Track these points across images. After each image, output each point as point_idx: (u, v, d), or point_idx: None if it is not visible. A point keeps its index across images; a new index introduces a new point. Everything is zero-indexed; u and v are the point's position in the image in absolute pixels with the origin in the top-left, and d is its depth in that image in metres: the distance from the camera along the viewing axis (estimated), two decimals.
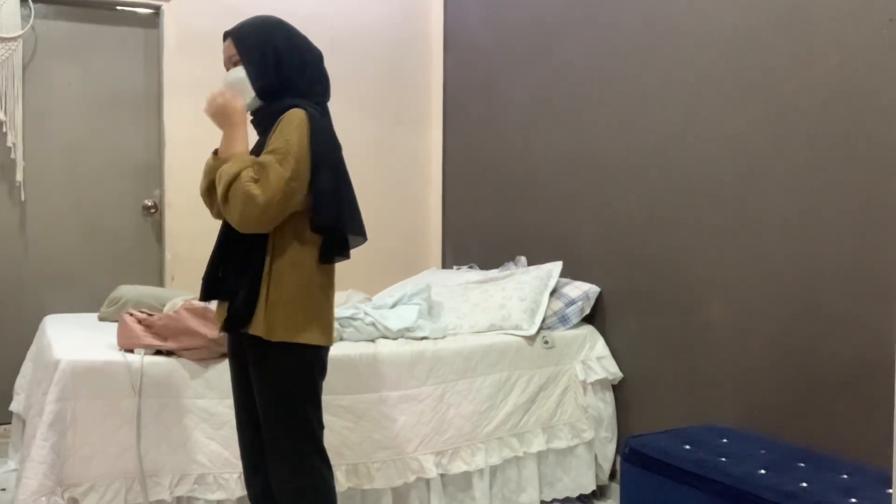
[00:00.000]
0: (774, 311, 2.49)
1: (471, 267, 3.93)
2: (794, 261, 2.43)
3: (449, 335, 2.99)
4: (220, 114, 2.00)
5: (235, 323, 1.96)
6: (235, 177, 1.86)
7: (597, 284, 3.23)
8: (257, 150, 2.01)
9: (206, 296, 2.04)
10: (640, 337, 3.06)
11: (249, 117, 2.06)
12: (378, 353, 2.70)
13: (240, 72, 2.00)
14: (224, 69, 2.06)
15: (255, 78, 2.00)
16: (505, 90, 3.90)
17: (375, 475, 2.61)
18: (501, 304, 3.16)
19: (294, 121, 1.91)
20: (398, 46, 4.41)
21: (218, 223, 2.08)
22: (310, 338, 1.95)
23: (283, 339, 1.93)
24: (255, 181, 1.85)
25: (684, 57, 2.83)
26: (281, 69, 2.00)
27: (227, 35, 2.07)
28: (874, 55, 2.20)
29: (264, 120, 2.03)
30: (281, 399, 1.98)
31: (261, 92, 2.01)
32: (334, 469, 2.49)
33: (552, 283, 3.20)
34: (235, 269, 1.98)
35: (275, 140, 1.91)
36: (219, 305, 2.08)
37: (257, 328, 1.92)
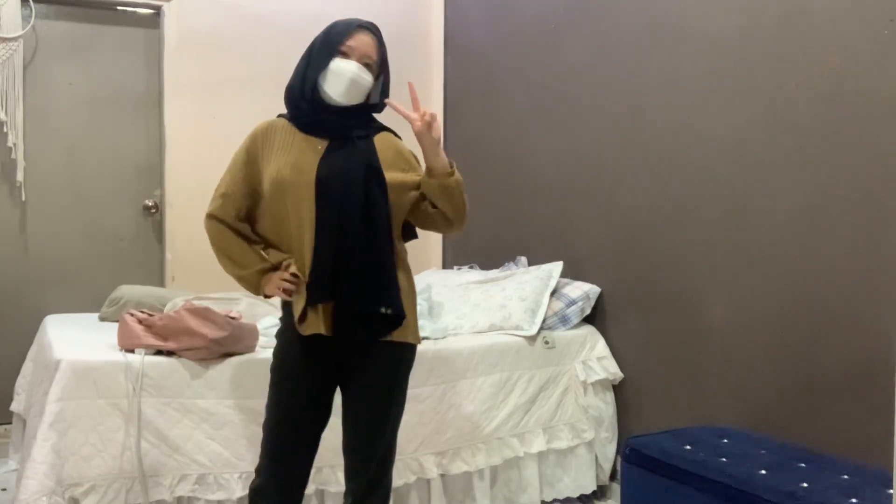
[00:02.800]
0: (775, 311, 2.49)
1: (471, 267, 3.93)
2: (794, 261, 2.43)
3: (449, 335, 2.99)
4: (438, 135, 2.06)
5: (388, 329, 1.99)
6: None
7: (597, 285, 3.23)
8: (366, 153, 2.02)
9: (319, 297, 1.97)
10: (640, 337, 3.06)
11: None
12: None
13: (369, 80, 2.03)
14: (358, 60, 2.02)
15: (380, 94, 2.09)
16: (505, 90, 3.90)
17: None
18: (502, 304, 3.16)
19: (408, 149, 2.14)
20: (399, 46, 4.38)
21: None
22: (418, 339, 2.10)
23: (416, 343, 2.07)
24: None
25: (685, 57, 2.83)
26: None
27: (370, 30, 2.06)
28: (874, 55, 2.20)
29: (348, 124, 2.04)
30: (402, 400, 2.08)
31: (371, 107, 2.08)
32: (334, 469, 2.50)
33: (553, 284, 3.20)
34: (377, 277, 1.98)
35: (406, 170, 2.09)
36: (319, 310, 1.97)
37: (407, 334, 2.02)
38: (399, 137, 2.15)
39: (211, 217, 2.06)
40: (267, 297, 2.08)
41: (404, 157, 2.11)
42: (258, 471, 2.04)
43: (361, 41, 2.01)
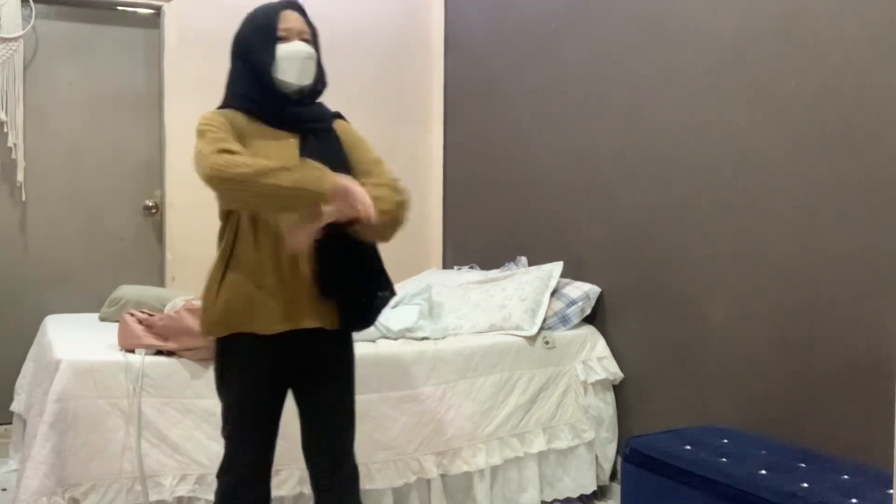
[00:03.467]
0: (775, 310, 2.49)
1: (471, 267, 3.93)
2: (794, 261, 2.43)
3: (449, 335, 2.99)
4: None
5: (378, 312, 2.03)
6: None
7: (597, 285, 3.23)
8: (324, 150, 1.97)
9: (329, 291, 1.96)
10: (640, 337, 3.06)
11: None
12: (379, 354, 2.70)
13: (315, 53, 2.00)
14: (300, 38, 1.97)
15: (321, 77, 2.03)
16: (505, 90, 3.90)
17: (376, 475, 2.61)
18: (502, 304, 3.16)
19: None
20: (399, 47, 4.41)
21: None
22: None
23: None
24: None
25: (685, 57, 2.83)
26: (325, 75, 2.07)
27: (294, 7, 2.01)
28: (875, 55, 2.20)
29: (314, 116, 2.02)
30: (353, 386, 2.08)
31: (320, 89, 2.05)
32: None
33: (553, 284, 3.20)
34: (371, 263, 2.01)
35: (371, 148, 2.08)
36: (316, 305, 1.94)
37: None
38: (347, 121, 2.13)
39: (221, 151, 1.81)
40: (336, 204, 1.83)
41: (362, 140, 2.12)
42: (226, 471, 1.97)
43: (292, 19, 1.99)
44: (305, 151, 1.94)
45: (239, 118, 1.95)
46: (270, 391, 1.98)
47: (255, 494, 1.98)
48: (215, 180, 1.79)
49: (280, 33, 1.95)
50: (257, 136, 1.94)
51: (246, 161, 1.79)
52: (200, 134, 1.88)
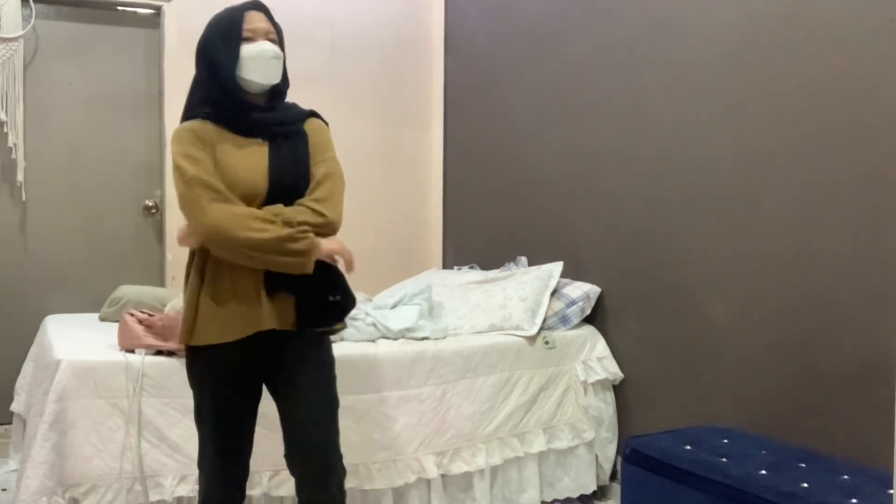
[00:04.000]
0: (775, 311, 2.49)
1: (471, 267, 3.93)
2: (794, 261, 2.43)
3: (449, 335, 2.99)
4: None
5: (338, 317, 2.03)
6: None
7: (597, 285, 3.22)
8: (292, 154, 1.98)
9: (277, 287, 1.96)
10: (640, 337, 3.06)
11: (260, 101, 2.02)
12: (378, 354, 2.70)
13: (281, 53, 2.00)
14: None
15: (286, 76, 2.03)
16: (505, 90, 3.90)
17: (376, 475, 2.61)
18: (502, 304, 3.16)
19: (330, 136, 2.06)
20: (399, 47, 4.41)
21: None
22: None
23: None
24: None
25: (685, 57, 2.83)
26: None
27: (258, 7, 2.01)
28: (875, 55, 2.20)
29: (280, 120, 2.01)
30: (334, 380, 2.07)
31: (284, 89, 2.05)
32: None
33: (553, 284, 3.20)
34: (324, 266, 1.98)
35: (332, 155, 2.04)
36: (280, 301, 1.95)
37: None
38: (326, 123, 2.11)
39: (215, 201, 1.85)
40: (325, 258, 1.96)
41: (323, 148, 2.06)
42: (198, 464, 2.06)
43: (257, 19, 1.99)
44: (274, 157, 1.96)
45: (207, 127, 1.95)
46: (232, 393, 2.02)
47: (224, 489, 2.04)
48: (222, 241, 1.87)
49: (245, 34, 1.96)
50: (226, 143, 1.95)
51: (233, 227, 1.84)
52: (180, 170, 1.89)
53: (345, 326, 2.12)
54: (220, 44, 1.96)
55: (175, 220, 3.88)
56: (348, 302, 2.04)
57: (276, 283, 1.92)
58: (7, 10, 3.59)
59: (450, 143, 4.39)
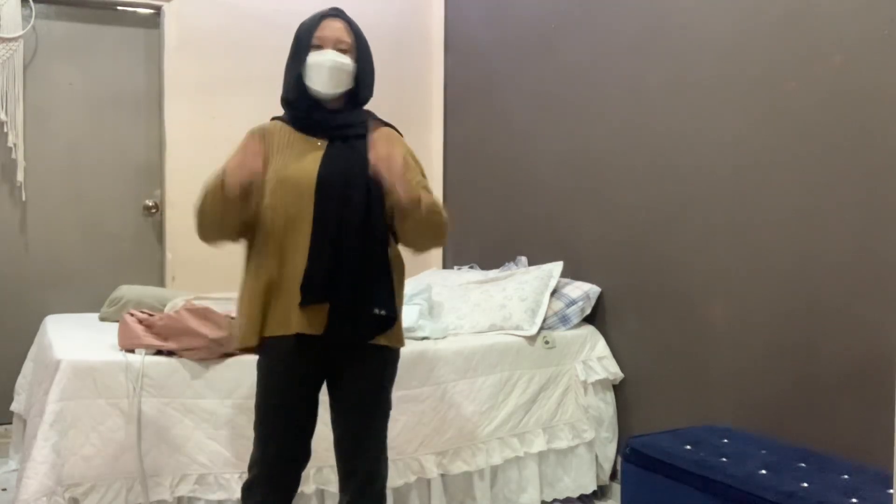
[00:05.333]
0: (775, 311, 2.49)
1: (471, 267, 3.93)
2: (794, 261, 2.43)
3: (449, 335, 2.99)
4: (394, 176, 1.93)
5: (380, 330, 1.98)
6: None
7: (597, 284, 3.23)
8: (355, 154, 1.99)
9: (318, 297, 1.94)
10: (640, 337, 3.06)
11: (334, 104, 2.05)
12: None
13: (349, 63, 2.03)
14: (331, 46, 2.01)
15: (365, 85, 2.09)
16: (505, 90, 3.90)
17: None
18: (502, 304, 3.16)
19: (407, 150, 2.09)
20: (399, 47, 4.41)
21: None
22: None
23: (400, 346, 2.08)
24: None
25: (685, 57, 2.83)
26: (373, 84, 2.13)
27: (337, 15, 2.04)
28: (876, 55, 2.20)
29: (342, 122, 2.04)
30: (388, 402, 2.08)
31: (361, 98, 2.09)
32: (335, 468, 2.50)
33: (553, 284, 3.20)
34: (373, 279, 1.96)
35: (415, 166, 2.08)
36: (316, 309, 1.94)
37: (392, 338, 2.02)
38: (400, 134, 2.14)
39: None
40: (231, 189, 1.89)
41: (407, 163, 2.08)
42: (251, 468, 2.05)
43: (331, 28, 2.02)
44: (327, 156, 1.99)
45: (279, 127, 2.05)
46: (289, 392, 2.01)
47: (271, 488, 2.02)
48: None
49: (315, 41, 2.00)
50: (289, 143, 2.02)
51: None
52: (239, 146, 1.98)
53: (402, 344, 2.09)
54: (295, 49, 2.03)
55: (175, 220, 3.88)
56: (390, 320, 2.00)
57: (309, 293, 1.92)
58: (7, 10, 3.59)
59: (450, 144, 4.39)
